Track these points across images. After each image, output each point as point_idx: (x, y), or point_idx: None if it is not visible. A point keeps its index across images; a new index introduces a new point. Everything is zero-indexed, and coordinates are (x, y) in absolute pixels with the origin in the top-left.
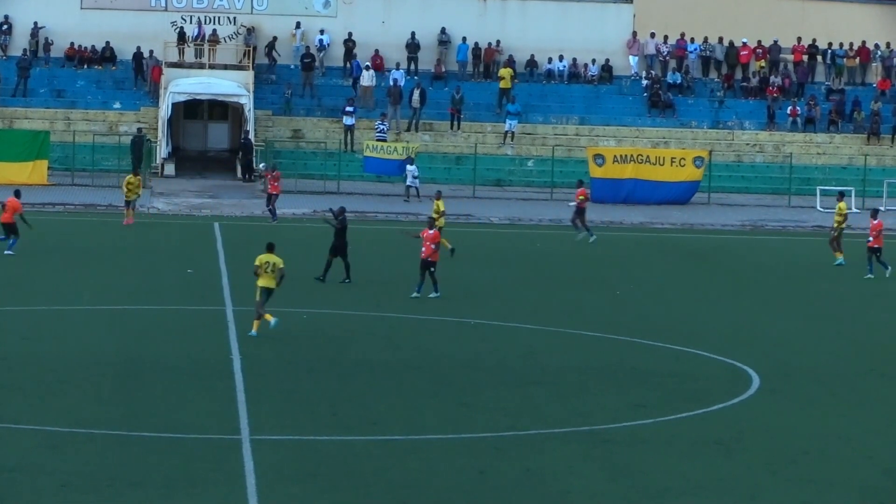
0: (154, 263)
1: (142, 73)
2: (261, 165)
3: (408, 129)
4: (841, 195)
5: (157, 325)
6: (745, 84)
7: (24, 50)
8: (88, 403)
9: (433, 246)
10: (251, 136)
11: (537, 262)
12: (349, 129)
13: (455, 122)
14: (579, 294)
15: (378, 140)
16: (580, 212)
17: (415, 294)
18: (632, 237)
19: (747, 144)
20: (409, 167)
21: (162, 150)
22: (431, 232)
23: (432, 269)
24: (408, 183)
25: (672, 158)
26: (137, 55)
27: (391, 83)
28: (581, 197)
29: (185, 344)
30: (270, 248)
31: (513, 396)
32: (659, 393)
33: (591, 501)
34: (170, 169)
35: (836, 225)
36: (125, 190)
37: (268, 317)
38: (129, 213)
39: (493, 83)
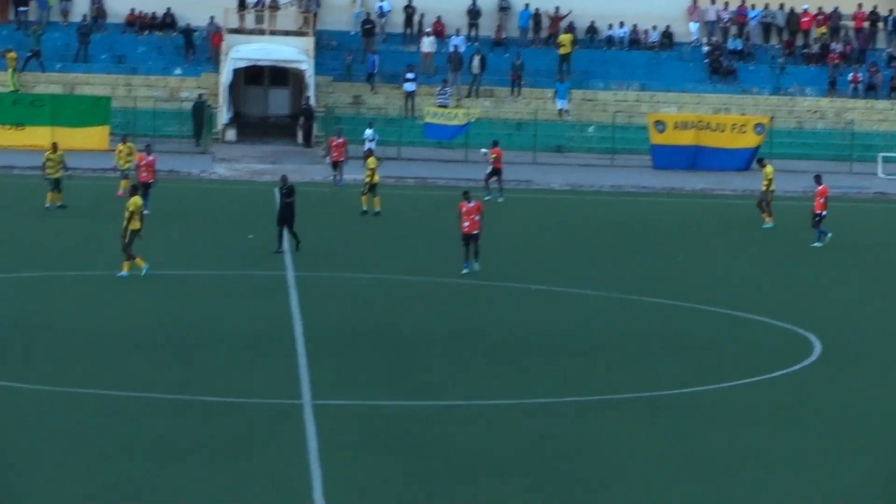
0: (215, 229)
1: (192, 47)
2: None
3: (468, 96)
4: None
5: (217, 290)
6: (805, 51)
7: (84, 16)
8: (148, 369)
9: (476, 218)
10: (312, 101)
11: (598, 229)
12: (410, 95)
13: (515, 89)
14: (639, 260)
15: (439, 106)
16: (495, 171)
17: (465, 270)
18: (692, 203)
19: (808, 111)
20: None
21: (223, 115)
22: (472, 204)
23: (475, 241)
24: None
25: (733, 125)
26: (187, 30)
27: (451, 50)
28: (494, 156)
29: (245, 309)
30: (134, 192)
31: (573, 363)
32: (719, 360)
33: (651, 468)
34: (231, 135)
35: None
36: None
37: (140, 262)
38: (54, 196)
39: (553, 49)
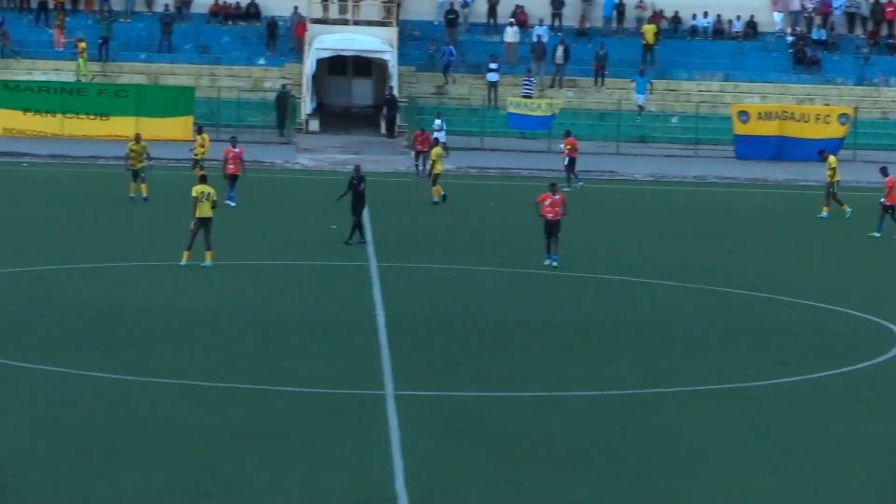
0: (298, 219)
1: (274, 40)
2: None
3: (551, 86)
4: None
5: (300, 279)
6: (890, 41)
7: (167, 6)
8: (231, 358)
9: (559, 209)
10: (395, 91)
11: (680, 219)
12: (493, 85)
13: (599, 79)
14: (722, 251)
15: (523, 96)
16: (571, 161)
17: (547, 262)
18: (775, 194)
19: (893, 101)
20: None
21: (306, 106)
22: (557, 196)
23: (558, 234)
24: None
25: (817, 115)
26: (272, 23)
27: (535, 39)
28: (569, 146)
29: (328, 299)
30: (203, 180)
31: (655, 353)
32: (803, 351)
33: (734, 460)
34: (314, 125)
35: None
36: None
37: (208, 256)
38: (137, 186)
39: (636, 39)
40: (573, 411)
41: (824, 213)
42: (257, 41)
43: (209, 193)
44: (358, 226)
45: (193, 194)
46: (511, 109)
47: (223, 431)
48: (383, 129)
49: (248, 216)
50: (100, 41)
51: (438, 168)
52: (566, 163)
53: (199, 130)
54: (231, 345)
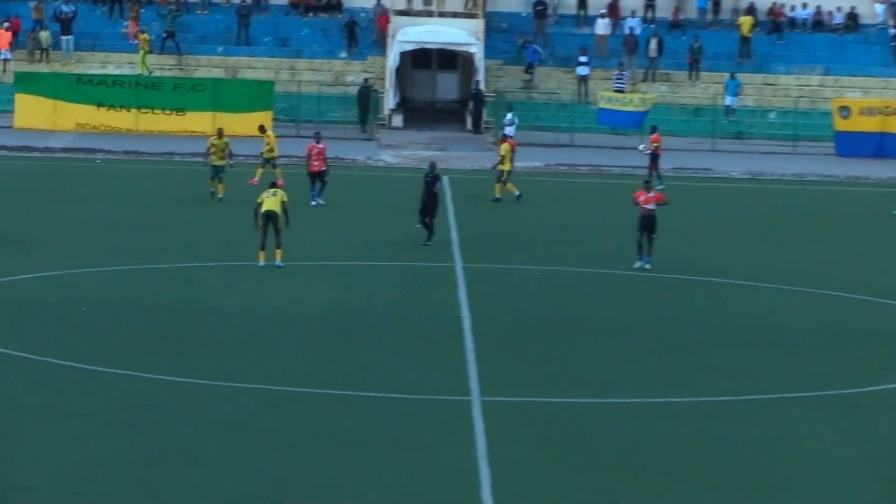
0: (380, 217)
1: (354, 39)
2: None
3: (644, 80)
4: None
5: (382, 281)
6: None
7: None
8: (311, 362)
9: (651, 207)
10: (482, 86)
11: (778, 219)
12: (583, 79)
13: (693, 73)
14: (821, 251)
15: (615, 91)
16: (654, 158)
17: (638, 264)
18: (878, 193)
19: None
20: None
21: (389, 100)
22: (651, 194)
23: (653, 235)
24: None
25: None
26: (350, 23)
27: (627, 32)
28: (655, 143)
29: (412, 301)
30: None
31: (751, 358)
32: None
33: (838, 471)
34: (397, 120)
35: None
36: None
37: (278, 254)
38: (215, 184)
39: (732, 32)
40: (666, 418)
41: None
42: (338, 34)
43: (276, 191)
44: (429, 226)
45: (259, 200)
46: (602, 104)
47: (302, 437)
48: (469, 125)
49: (329, 215)
50: (164, 35)
51: (507, 165)
52: (650, 160)
53: (262, 129)
54: (310, 348)
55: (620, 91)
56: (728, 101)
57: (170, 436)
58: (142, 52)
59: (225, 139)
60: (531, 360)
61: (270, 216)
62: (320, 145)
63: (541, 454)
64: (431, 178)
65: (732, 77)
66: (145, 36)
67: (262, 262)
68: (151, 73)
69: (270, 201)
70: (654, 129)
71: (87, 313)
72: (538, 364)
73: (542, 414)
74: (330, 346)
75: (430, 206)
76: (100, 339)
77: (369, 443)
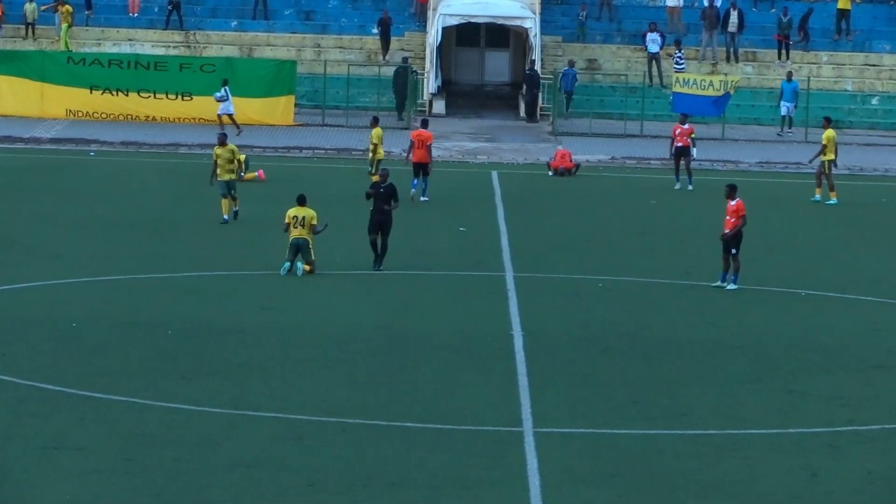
0: (420, 220)
1: (387, 34)
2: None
3: (726, 59)
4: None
5: (422, 293)
6: None
7: None
8: (340, 387)
9: (731, 219)
10: (537, 66)
11: (883, 221)
12: (654, 57)
13: (783, 51)
14: None
15: (676, 73)
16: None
17: (718, 283)
18: None
19: None
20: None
21: (430, 83)
22: (733, 203)
23: (734, 249)
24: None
25: None
26: (384, 20)
27: (705, 4)
28: (692, 135)
29: (456, 316)
30: (301, 202)
31: (851, 383)
32: None
33: None
34: (439, 106)
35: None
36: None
37: (307, 267)
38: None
39: (829, 4)
40: (751, 453)
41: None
42: (371, 5)
43: (304, 218)
44: (377, 247)
45: (286, 220)
46: (676, 88)
47: (330, 475)
48: (522, 112)
49: (358, 217)
50: (169, 7)
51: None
52: (673, 153)
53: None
54: (338, 371)
55: (679, 72)
56: (783, 109)
57: (176, 473)
58: (64, 25)
59: (230, 146)
60: (593, 386)
61: (300, 247)
62: (427, 130)
63: (605, 495)
64: (385, 189)
65: (789, 79)
66: (67, 7)
67: (284, 270)
68: (71, 51)
69: (299, 231)
70: (684, 119)
71: (78, 330)
72: (601, 390)
73: (606, 448)
74: (361, 368)
75: (382, 222)
76: (96, 360)
77: (405, 482)
